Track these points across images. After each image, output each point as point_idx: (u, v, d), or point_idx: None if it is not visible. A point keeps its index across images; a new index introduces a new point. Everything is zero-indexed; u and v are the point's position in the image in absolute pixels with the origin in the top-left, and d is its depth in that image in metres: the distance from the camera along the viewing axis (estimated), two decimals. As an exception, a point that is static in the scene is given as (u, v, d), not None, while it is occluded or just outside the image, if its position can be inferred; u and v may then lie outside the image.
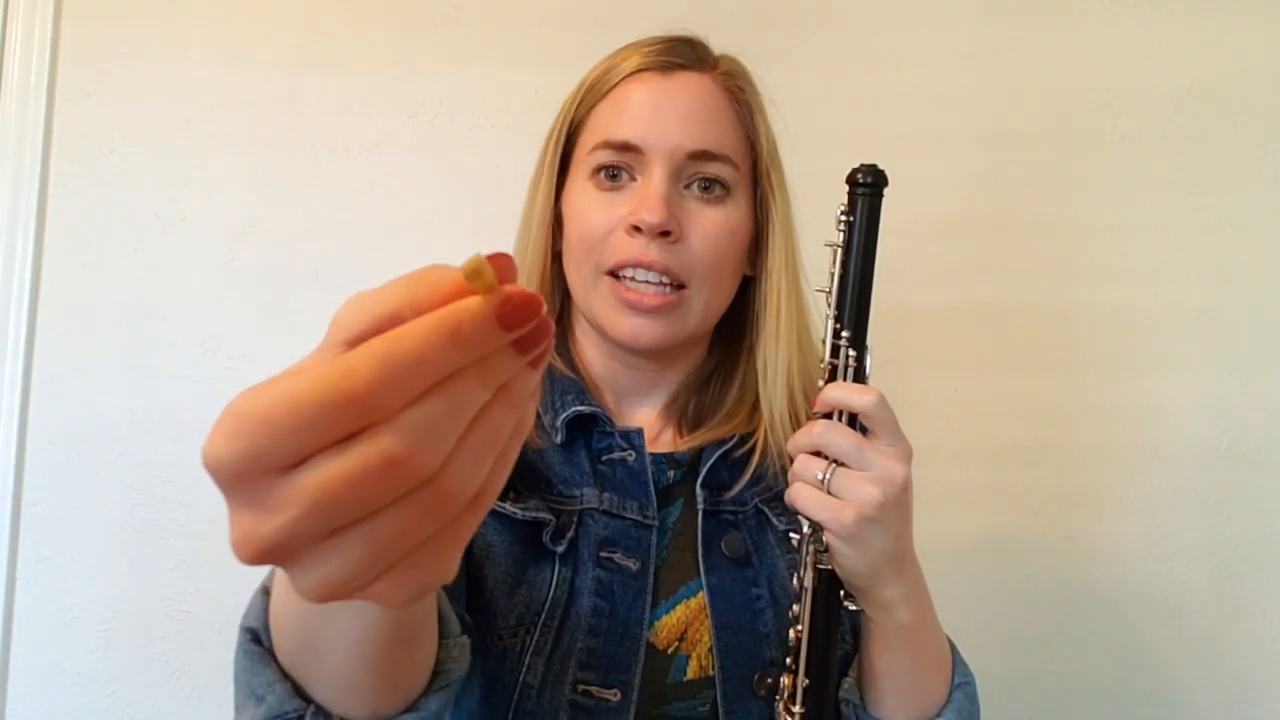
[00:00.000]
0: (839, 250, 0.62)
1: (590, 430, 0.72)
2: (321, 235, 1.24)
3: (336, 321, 0.31)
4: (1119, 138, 1.22)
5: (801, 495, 0.60)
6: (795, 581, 0.62)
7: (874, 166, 0.62)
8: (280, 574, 0.46)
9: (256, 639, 0.49)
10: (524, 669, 0.64)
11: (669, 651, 0.67)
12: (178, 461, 1.22)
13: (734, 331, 0.77)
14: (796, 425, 0.71)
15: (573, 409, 0.70)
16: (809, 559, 0.61)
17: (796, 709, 0.62)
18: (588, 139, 0.72)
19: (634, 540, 0.68)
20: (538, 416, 0.71)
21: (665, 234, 0.67)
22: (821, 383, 0.63)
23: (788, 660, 0.63)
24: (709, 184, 0.70)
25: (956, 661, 0.69)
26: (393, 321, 0.29)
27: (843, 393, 0.60)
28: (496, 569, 0.65)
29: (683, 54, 0.72)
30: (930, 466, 1.20)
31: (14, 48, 1.25)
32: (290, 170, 1.24)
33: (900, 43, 1.23)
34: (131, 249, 1.24)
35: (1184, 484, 1.19)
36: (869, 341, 0.63)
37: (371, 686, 0.46)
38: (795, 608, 0.62)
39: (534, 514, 0.66)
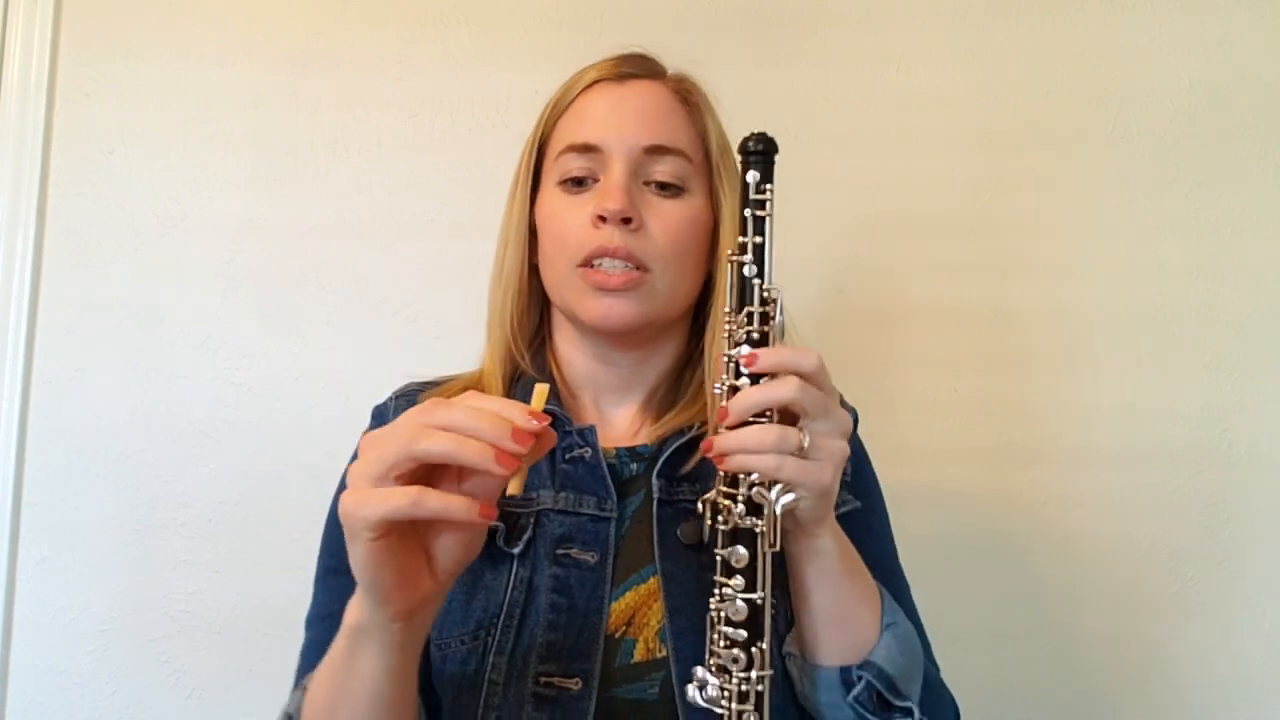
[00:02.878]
0: (761, 219, 0.64)
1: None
2: (321, 235, 1.24)
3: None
4: (1119, 138, 1.22)
5: (786, 466, 0.59)
6: (758, 547, 0.62)
7: (763, 134, 0.65)
8: (321, 672, 0.62)
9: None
10: (489, 668, 0.68)
11: (616, 635, 0.70)
12: (178, 461, 1.23)
13: (703, 324, 0.81)
14: None
15: None
16: (770, 525, 0.61)
17: (764, 672, 0.62)
18: (554, 147, 0.79)
19: (591, 534, 0.72)
20: None
21: (627, 221, 0.73)
22: (743, 348, 0.62)
23: (738, 632, 0.62)
24: (665, 181, 0.76)
25: (885, 604, 0.70)
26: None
27: (790, 355, 0.61)
28: None
29: (635, 65, 0.79)
30: (930, 466, 1.20)
31: (14, 48, 1.25)
32: (290, 170, 1.24)
33: (900, 43, 1.23)
34: (131, 249, 1.25)
35: (1184, 484, 1.20)
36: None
37: None
38: (738, 578, 0.62)
39: None
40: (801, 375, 0.60)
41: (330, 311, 1.23)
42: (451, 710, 0.69)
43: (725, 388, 0.63)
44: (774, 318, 0.63)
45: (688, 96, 0.78)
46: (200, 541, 1.22)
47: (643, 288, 0.74)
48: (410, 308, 1.23)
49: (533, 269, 0.80)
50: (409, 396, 0.82)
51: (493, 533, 0.71)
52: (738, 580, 0.62)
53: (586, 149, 0.75)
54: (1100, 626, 1.19)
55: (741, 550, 0.62)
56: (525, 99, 1.23)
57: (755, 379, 0.62)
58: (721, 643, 0.63)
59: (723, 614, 0.62)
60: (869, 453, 0.83)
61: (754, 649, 0.62)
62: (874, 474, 0.83)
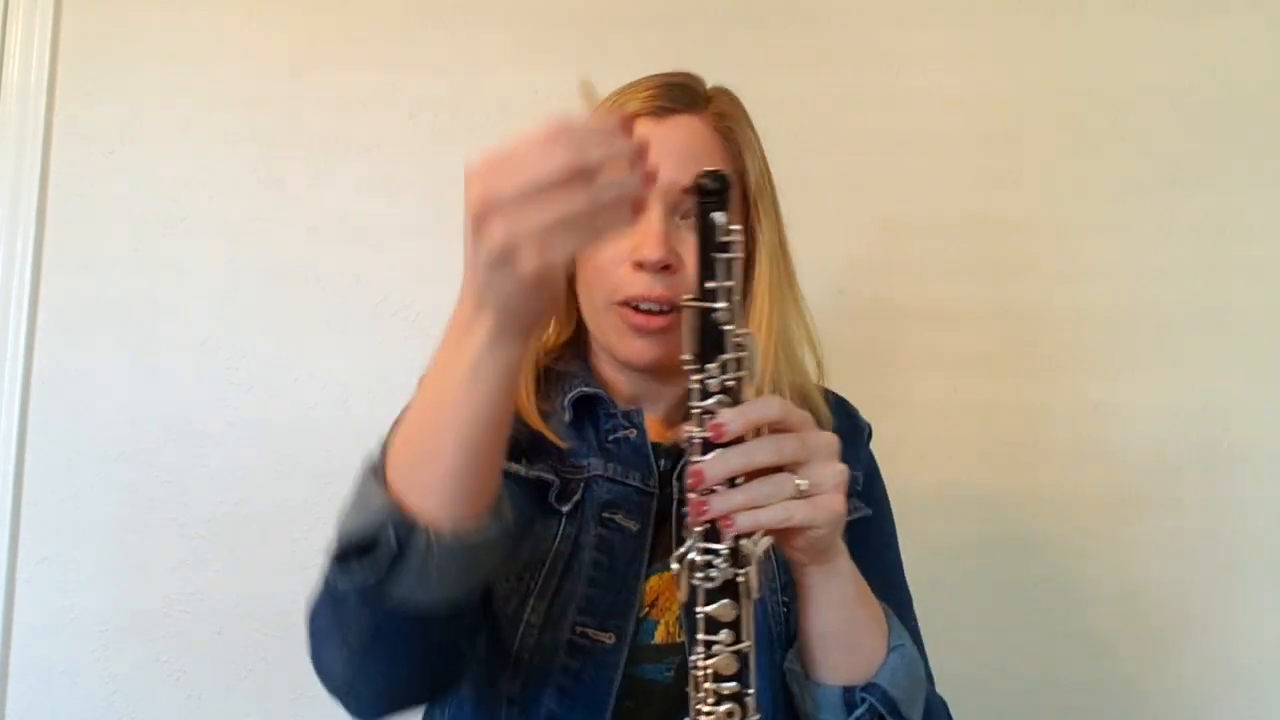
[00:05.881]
0: (729, 261, 0.60)
1: (596, 412, 0.80)
2: (321, 235, 1.24)
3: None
4: (1119, 138, 1.22)
5: (796, 511, 0.59)
6: (741, 596, 0.61)
7: (718, 172, 0.61)
8: (412, 413, 0.61)
9: (374, 467, 0.61)
10: (528, 610, 0.72)
11: (640, 615, 0.73)
12: (178, 461, 1.23)
13: None
14: None
15: (578, 390, 0.79)
16: (756, 573, 0.61)
17: (755, 716, 0.62)
18: None
19: (635, 505, 0.76)
20: (550, 404, 0.79)
21: (666, 267, 0.74)
22: (703, 401, 0.60)
23: (728, 685, 0.62)
24: None
25: (893, 627, 0.71)
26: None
27: (754, 412, 0.60)
28: None
29: (676, 98, 0.79)
30: (930, 466, 1.20)
31: (14, 48, 1.25)
32: (290, 170, 1.24)
33: (900, 43, 1.23)
34: (131, 249, 1.25)
35: (1184, 484, 1.19)
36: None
37: (459, 490, 0.58)
38: (725, 631, 0.61)
39: (537, 473, 0.75)
40: (771, 428, 0.60)
41: (330, 311, 1.23)
42: (487, 643, 0.72)
43: (699, 441, 0.60)
44: (745, 365, 0.61)
45: (727, 134, 0.79)
46: (200, 541, 1.22)
47: (677, 327, 0.75)
48: (410, 308, 1.23)
49: (569, 279, 0.81)
50: None
51: (546, 488, 0.75)
52: (725, 634, 0.61)
53: None
54: (1100, 627, 1.19)
55: (730, 603, 0.61)
56: (525, 99, 1.23)
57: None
58: (710, 699, 0.62)
59: (710, 671, 0.61)
60: None
61: (746, 698, 0.62)
62: (884, 488, 0.84)
